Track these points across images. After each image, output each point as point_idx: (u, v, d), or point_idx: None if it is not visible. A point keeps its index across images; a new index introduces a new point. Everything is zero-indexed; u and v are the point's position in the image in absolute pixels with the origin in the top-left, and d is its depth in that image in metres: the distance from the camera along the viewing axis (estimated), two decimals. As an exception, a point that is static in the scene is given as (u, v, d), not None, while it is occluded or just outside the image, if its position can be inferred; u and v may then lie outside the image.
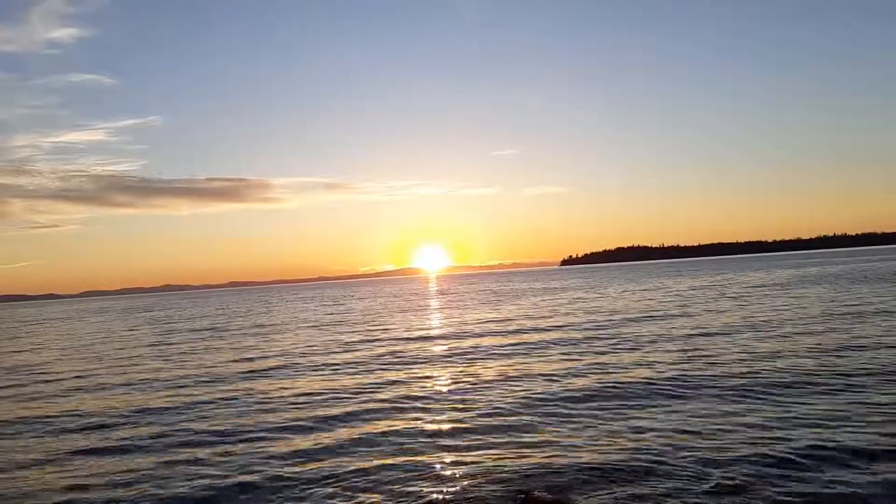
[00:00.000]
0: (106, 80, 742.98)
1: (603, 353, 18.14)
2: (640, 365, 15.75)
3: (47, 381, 19.78)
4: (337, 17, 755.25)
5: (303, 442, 10.53)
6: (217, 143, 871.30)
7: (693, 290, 47.78)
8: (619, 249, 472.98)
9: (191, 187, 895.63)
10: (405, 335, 27.01)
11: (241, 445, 10.59)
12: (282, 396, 14.60)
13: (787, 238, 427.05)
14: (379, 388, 14.99)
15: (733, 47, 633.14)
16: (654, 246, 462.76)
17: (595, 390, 13.07)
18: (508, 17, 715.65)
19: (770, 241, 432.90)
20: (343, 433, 10.95)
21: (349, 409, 12.89)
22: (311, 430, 11.36)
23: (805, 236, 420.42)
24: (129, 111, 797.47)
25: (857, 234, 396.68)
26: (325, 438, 10.66)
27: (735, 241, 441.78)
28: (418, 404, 12.97)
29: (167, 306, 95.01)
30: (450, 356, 19.65)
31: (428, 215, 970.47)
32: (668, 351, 17.86)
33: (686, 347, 18.24)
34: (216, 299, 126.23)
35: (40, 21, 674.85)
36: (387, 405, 13.02)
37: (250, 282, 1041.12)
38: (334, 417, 12.22)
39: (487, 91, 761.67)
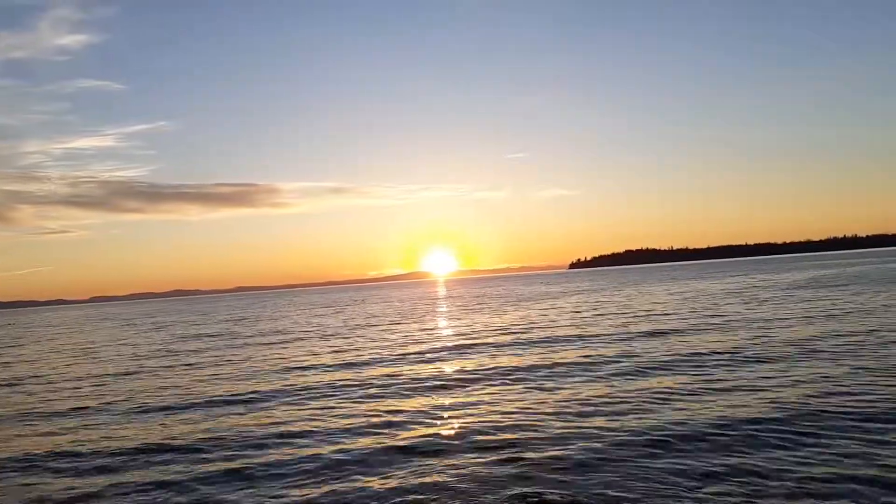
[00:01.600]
0: (115, 85, 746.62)
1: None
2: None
3: (48, 402, 18.42)
4: (345, 21, 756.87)
5: (328, 486, 9.27)
6: (226, 148, 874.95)
7: (728, 292, 46.54)
8: (628, 252, 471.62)
9: (200, 192, 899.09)
10: (436, 345, 25.30)
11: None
12: (304, 422, 13.25)
13: (797, 240, 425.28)
14: (418, 416, 13.04)
15: (740, 47, 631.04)
16: (662, 248, 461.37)
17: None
18: (518, 20, 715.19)
19: (780, 242, 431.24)
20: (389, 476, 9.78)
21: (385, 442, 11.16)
22: (335, 469, 9.91)
23: (815, 238, 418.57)
24: (139, 117, 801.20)
25: (867, 236, 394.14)
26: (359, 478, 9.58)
27: (744, 244, 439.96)
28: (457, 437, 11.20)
29: (176, 312, 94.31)
30: (487, 374, 17.42)
31: (436, 219, 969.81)
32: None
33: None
34: (225, 305, 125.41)
35: (49, 28, 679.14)
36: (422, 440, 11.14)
37: (259, 286, 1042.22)
38: (370, 452, 10.57)
39: (496, 94, 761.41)
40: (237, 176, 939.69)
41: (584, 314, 36.07)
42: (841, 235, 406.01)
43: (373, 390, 16.27)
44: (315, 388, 16.97)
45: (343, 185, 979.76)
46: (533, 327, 30.12)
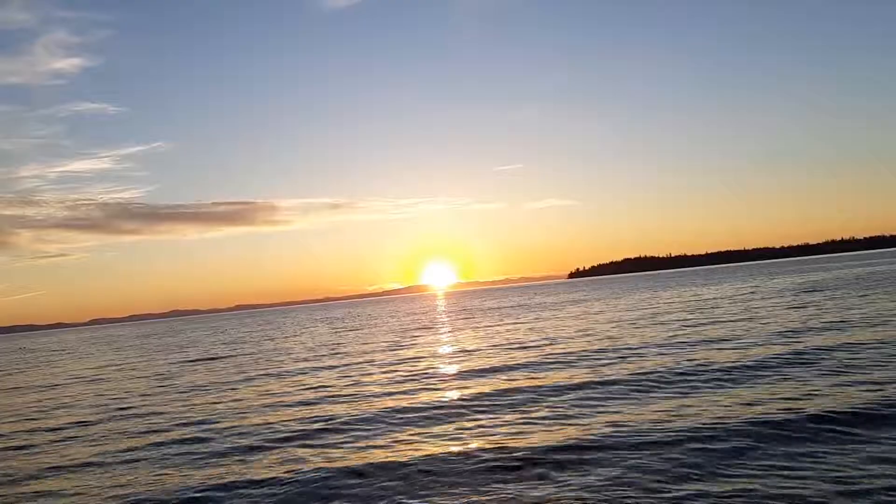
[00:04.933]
0: (111, 108, 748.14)
1: None
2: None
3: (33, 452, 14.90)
4: (338, 38, 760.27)
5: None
6: (222, 167, 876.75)
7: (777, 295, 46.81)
8: (626, 260, 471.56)
9: (197, 212, 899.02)
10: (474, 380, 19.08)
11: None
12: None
13: (794, 244, 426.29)
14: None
15: (734, 53, 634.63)
16: (661, 256, 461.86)
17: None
18: (510, 32, 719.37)
19: (777, 247, 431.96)
20: None
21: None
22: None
23: (812, 241, 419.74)
24: (135, 138, 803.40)
25: (864, 238, 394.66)
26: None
27: (742, 249, 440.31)
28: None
29: (176, 332, 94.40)
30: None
31: (433, 232, 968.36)
32: None
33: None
34: (225, 324, 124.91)
35: (45, 52, 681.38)
36: None
37: (257, 304, 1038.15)
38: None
39: (488, 106, 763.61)
40: (234, 194, 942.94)
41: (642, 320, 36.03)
42: (838, 238, 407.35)
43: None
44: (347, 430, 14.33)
45: (339, 201, 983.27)
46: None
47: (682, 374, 16.59)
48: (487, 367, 21.56)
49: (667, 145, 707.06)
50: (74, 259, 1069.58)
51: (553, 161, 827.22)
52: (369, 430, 13.64)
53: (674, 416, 12.24)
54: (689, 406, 12.97)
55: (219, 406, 18.52)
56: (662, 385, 15.45)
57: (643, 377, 16.54)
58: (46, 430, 17.52)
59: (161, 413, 18.37)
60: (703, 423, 11.33)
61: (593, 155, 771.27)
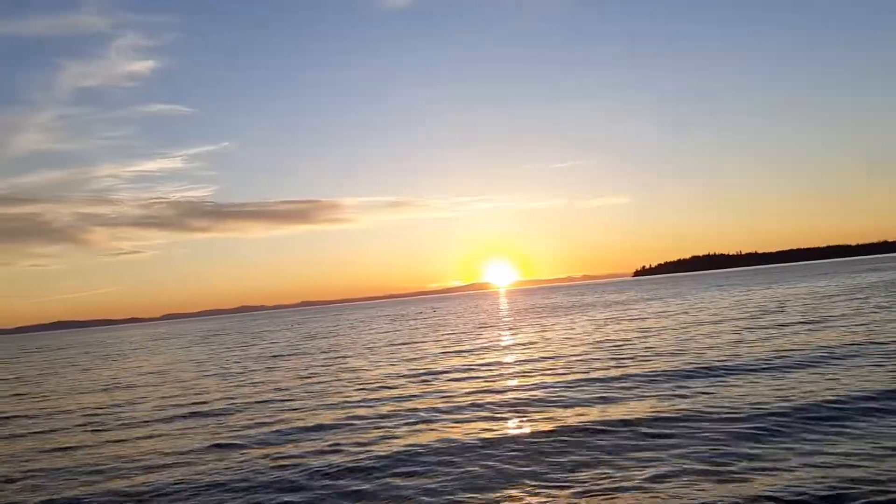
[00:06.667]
0: (182, 109, 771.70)
1: None
2: None
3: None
4: (399, 37, 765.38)
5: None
6: (287, 166, 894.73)
7: None
8: (694, 258, 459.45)
9: (264, 210, 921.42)
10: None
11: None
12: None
13: (871, 241, 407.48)
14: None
15: (802, 47, 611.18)
16: (731, 254, 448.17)
17: None
18: (568, 29, 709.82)
19: (854, 244, 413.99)
20: None
21: None
22: None
23: (891, 238, 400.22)
24: (204, 138, 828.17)
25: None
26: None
27: (816, 246, 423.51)
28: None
29: (245, 328, 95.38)
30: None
31: (494, 230, 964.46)
32: None
33: None
34: (292, 320, 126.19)
35: (119, 55, 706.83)
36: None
37: (322, 301, 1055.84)
38: None
39: (545, 103, 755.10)
40: (298, 193, 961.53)
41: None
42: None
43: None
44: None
45: (400, 199, 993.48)
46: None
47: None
48: (584, 379, 18.92)
49: (728, 141, 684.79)
50: (148, 256, 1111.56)
51: (613, 158, 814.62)
52: (452, 465, 11.06)
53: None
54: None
55: (288, 416, 17.52)
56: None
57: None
58: (111, 442, 16.91)
59: (224, 415, 17.60)
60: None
61: (653, 151, 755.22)
